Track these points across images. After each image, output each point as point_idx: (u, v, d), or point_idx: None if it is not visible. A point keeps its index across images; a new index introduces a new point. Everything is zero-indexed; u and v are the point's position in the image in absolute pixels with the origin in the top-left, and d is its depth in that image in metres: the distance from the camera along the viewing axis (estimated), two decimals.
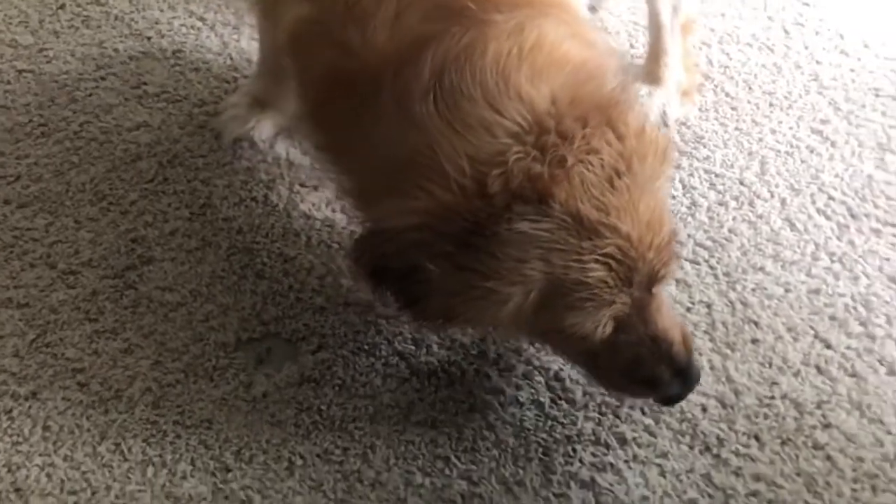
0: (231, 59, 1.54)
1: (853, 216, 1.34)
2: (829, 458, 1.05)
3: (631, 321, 0.94)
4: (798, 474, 1.03)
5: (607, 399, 1.09)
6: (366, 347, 1.13)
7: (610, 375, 0.99)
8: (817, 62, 1.61)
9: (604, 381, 1.02)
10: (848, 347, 1.17)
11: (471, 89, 0.88)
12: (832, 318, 1.20)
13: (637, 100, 0.94)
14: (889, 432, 1.08)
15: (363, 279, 1.00)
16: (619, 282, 0.90)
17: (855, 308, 1.21)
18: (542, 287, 0.89)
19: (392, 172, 0.91)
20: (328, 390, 1.08)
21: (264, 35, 1.39)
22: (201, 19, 1.60)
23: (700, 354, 1.14)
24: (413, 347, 1.14)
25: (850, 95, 1.55)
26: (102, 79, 1.48)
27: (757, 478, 1.03)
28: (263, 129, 1.40)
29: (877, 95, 1.55)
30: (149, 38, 1.57)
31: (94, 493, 0.98)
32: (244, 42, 1.56)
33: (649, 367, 0.96)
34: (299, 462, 1.01)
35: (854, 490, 1.02)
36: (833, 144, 1.45)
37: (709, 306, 1.19)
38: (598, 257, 0.88)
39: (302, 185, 1.33)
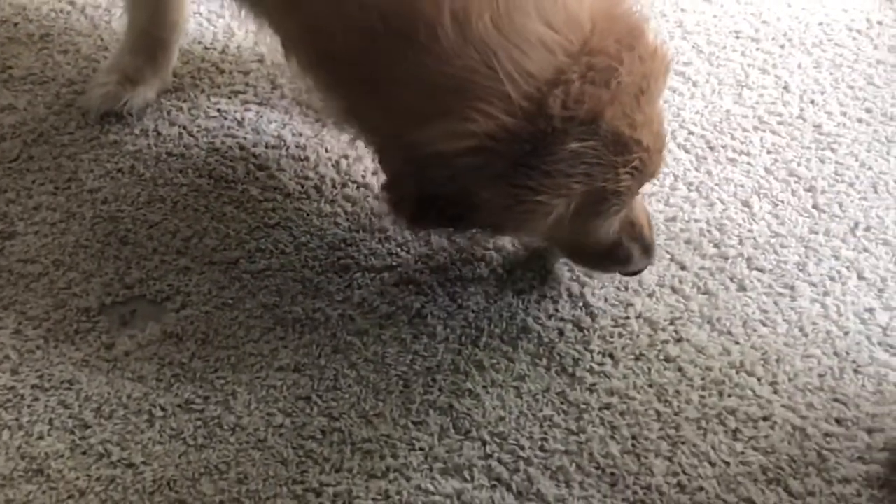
0: (101, 39, 1.53)
1: (711, 148, 1.39)
2: (679, 369, 1.09)
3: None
4: (650, 386, 1.07)
5: (467, 331, 1.12)
6: (230, 302, 1.14)
7: (591, 257, 1.09)
8: (682, 10, 1.67)
9: (583, 261, 1.12)
10: (701, 268, 1.21)
11: (526, 4, 0.89)
12: (687, 241, 1.24)
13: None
14: (736, 342, 1.12)
15: (404, 209, 0.98)
16: (637, 187, 1.01)
17: (709, 231, 1.26)
18: (581, 198, 0.96)
19: (442, 95, 0.90)
20: (190, 344, 1.09)
21: (141, 10, 1.39)
22: (71, 3, 1.59)
23: (558, 284, 1.18)
24: (278, 298, 1.15)
25: (712, 38, 1.60)
26: None
27: (610, 392, 1.06)
28: (135, 104, 1.40)
29: (737, 37, 1.61)
30: (15, 24, 1.55)
31: None
32: (115, 23, 1.55)
33: (626, 248, 1.07)
34: (160, 413, 1.02)
35: (702, 396, 1.06)
36: (695, 84, 1.50)
37: None
38: (628, 169, 0.96)
39: (169, 154, 1.34)
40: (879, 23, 1.66)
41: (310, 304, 1.14)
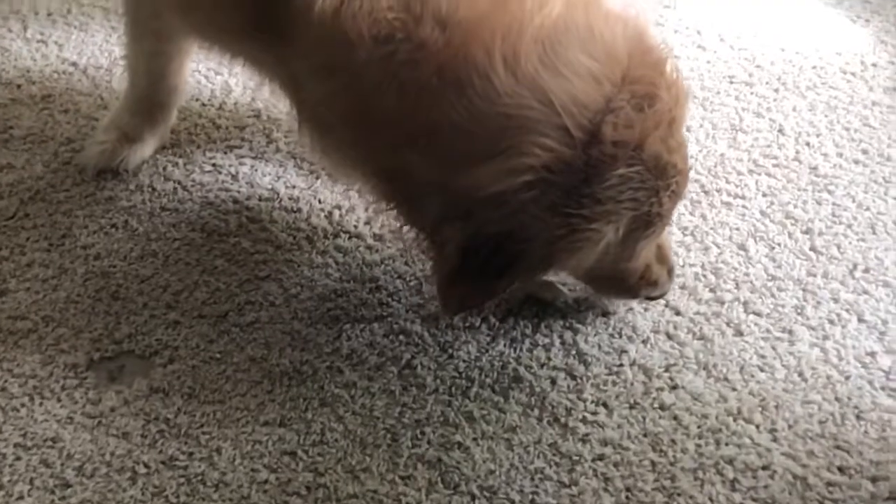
0: (101, 98, 1.56)
1: (706, 192, 1.38)
2: (675, 417, 1.06)
3: None
4: (645, 435, 1.04)
5: (458, 381, 1.10)
6: (217, 356, 1.13)
7: (624, 285, 1.10)
8: (676, 57, 1.66)
9: (615, 290, 1.14)
10: (697, 313, 1.19)
11: (569, 40, 0.93)
12: (682, 286, 1.22)
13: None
14: (733, 388, 1.09)
15: (447, 260, 0.98)
16: (673, 210, 1.05)
17: (705, 276, 1.24)
18: (628, 223, 0.99)
19: (494, 136, 0.92)
20: (177, 399, 1.08)
21: (143, 75, 1.41)
22: (73, 64, 1.63)
23: (551, 331, 1.16)
24: (266, 351, 1.14)
25: (706, 84, 1.61)
26: None
27: (604, 442, 1.03)
28: (131, 161, 1.41)
29: (731, 82, 1.62)
30: (19, 86, 1.58)
31: None
32: (115, 82, 1.58)
33: (655, 271, 1.10)
34: (143, 471, 1.00)
35: (698, 445, 1.03)
36: (689, 129, 1.50)
37: (562, 285, 1.21)
38: (669, 193, 1.00)
39: (163, 209, 1.34)
40: (874, 65, 1.66)
41: (298, 357, 1.13)
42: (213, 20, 1.15)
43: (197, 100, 1.55)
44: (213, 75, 1.59)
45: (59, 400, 1.08)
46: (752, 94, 1.58)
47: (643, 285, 1.11)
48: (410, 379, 1.10)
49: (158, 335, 1.16)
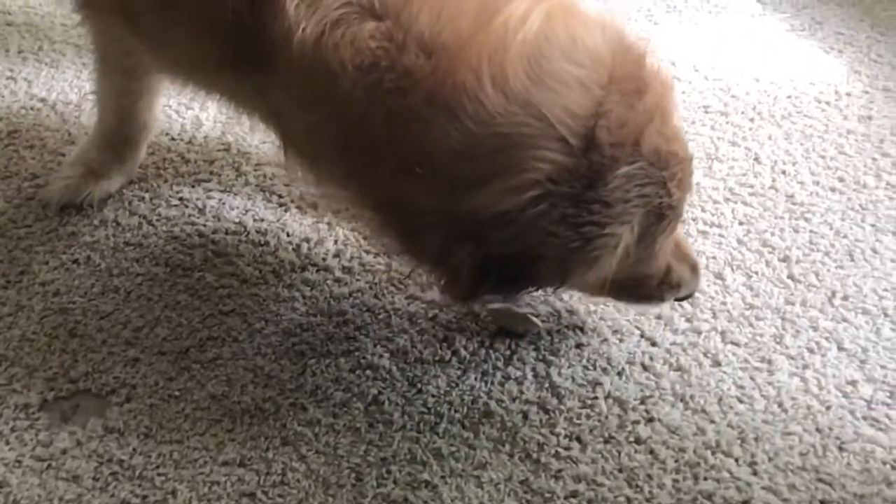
0: (69, 134, 1.53)
1: (681, 221, 1.36)
2: (651, 451, 1.02)
3: None
4: (620, 470, 1.00)
5: (426, 417, 1.06)
6: (176, 394, 1.09)
7: (647, 289, 1.08)
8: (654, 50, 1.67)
9: (639, 297, 1.10)
10: (673, 343, 1.16)
11: (552, 51, 0.92)
12: (658, 316, 1.19)
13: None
14: (712, 421, 1.06)
15: (459, 282, 0.96)
16: (684, 200, 1.03)
17: (681, 305, 1.21)
18: (641, 220, 0.98)
19: (492, 156, 0.91)
20: (132, 440, 1.03)
21: (112, 112, 1.39)
22: (42, 100, 1.60)
23: (524, 364, 1.13)
24: (227, 388, 1.09)
25: (681, 114, 1.60)
26: None
27: (577, 478, 0.99)
28: (96, 197, 1.38)
29: (706, 112, 1.61)
30: None
31: None
32: (84, 118, 1.56)
33: (677, 270, 1.08)
34: None
35: (675, 480, 0.99)
36: None
37: (535, 316, 1.18)
38: (675, 182, 0.99)
39: (127, 244, 1.31)
40: (848, 94, 1.65)
41: (260, 394, 1.09)
42: (188, 55, 1.12)
43: (167, 134, 1.53)
44: (183, 110, 1.57)
45: (7, 442, 1.03)
46: (727, 123, 1.58)
47: (667, 289, 1.09)
48: (377, 415, 1.06)
49: (116, 373, 1.11)
